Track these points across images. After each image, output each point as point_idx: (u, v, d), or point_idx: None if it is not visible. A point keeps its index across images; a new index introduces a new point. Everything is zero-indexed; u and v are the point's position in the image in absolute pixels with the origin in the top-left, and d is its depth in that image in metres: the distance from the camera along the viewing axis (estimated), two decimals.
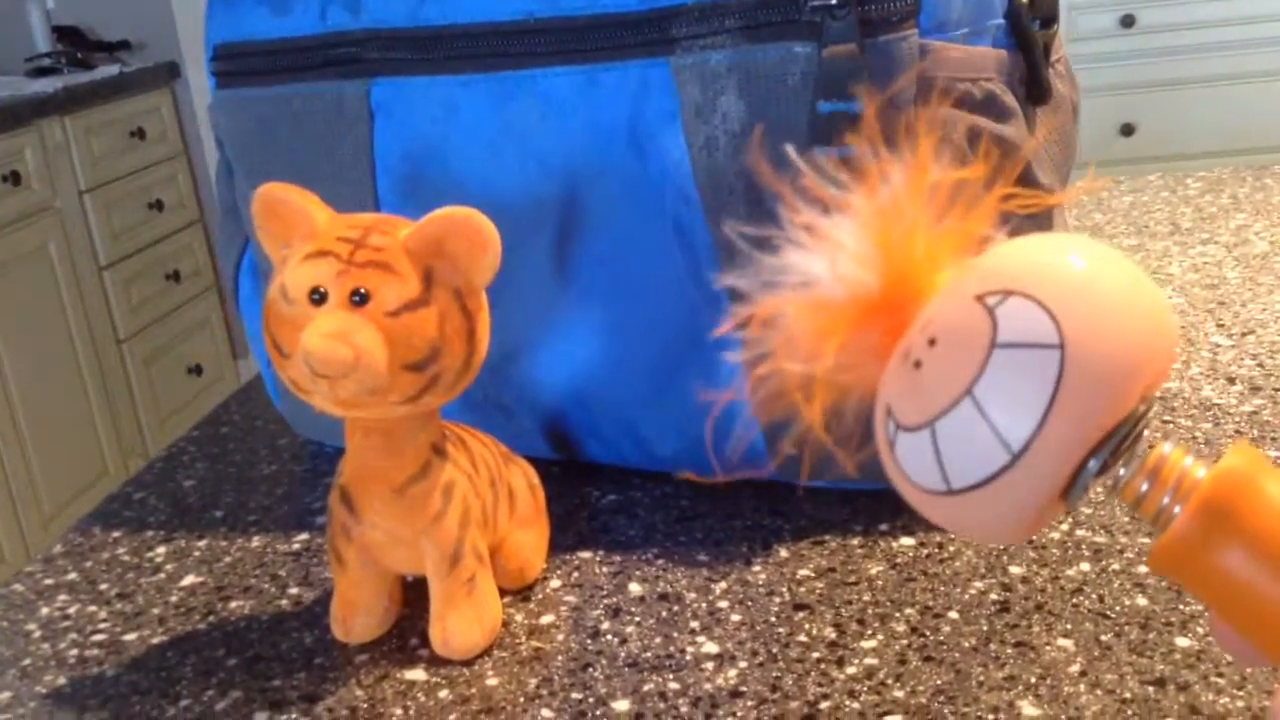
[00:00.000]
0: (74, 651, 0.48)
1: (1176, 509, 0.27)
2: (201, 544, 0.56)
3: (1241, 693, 0.39)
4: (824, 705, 0.41)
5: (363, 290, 0.40)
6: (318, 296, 0.40)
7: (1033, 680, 0.41)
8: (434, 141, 0.52)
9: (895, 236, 0.29)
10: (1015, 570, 0.47)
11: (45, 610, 0.52)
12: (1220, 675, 0.40)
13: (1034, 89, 0.49)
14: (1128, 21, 2.61)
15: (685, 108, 0.47)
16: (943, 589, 0.46)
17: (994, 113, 0.47)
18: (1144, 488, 0.27)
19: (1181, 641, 0.42)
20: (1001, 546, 0.48)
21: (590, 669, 0.44)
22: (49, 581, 0.54)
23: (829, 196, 0.30)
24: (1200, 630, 0.42)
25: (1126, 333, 0.26)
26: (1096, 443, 0.26)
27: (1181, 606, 0.43)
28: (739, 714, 0.41)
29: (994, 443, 0.26)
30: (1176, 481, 0.27)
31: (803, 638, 0.44)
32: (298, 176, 0.52)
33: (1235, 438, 0.55)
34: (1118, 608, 0.44)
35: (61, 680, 0.47)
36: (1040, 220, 0.51)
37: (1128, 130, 2.68)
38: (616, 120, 0.49)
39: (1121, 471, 0.27)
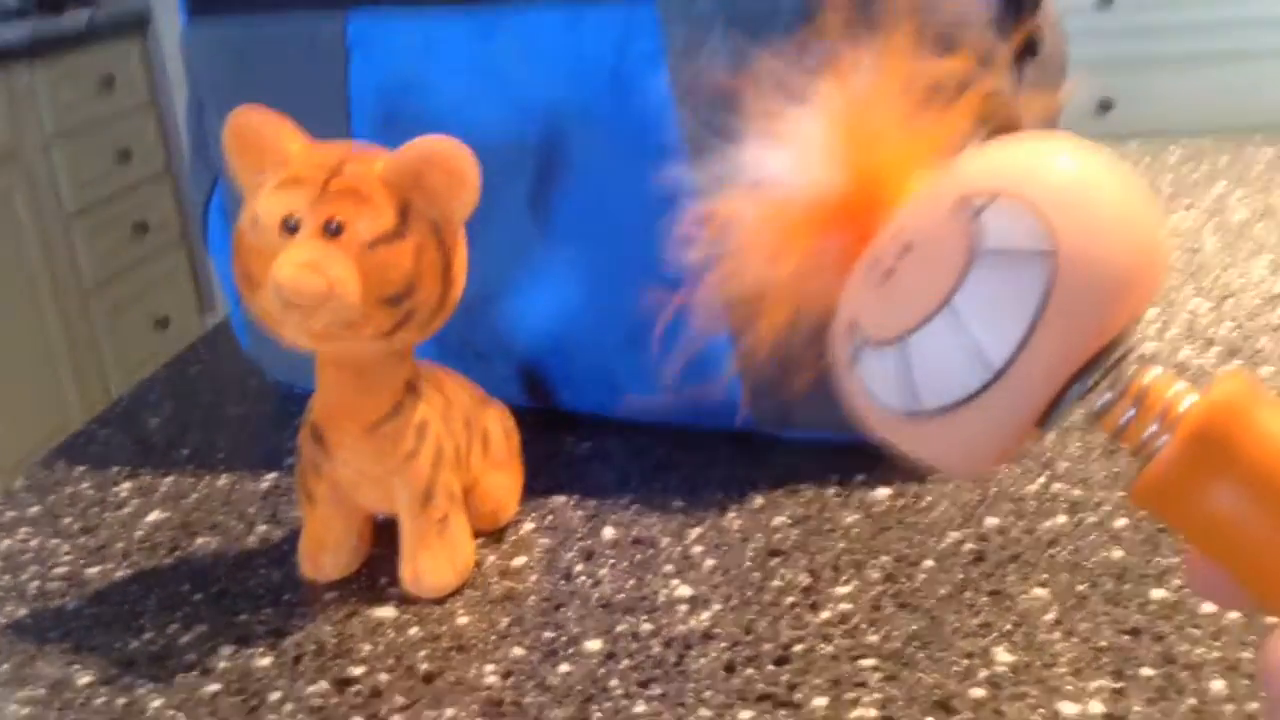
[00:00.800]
0: (35, 584, 0.48)
1: (1163, 439, 0.25)
2: (167, 481, 0.55)
3: (1218, 643, 0.39)
4: (797, 648, 0.40)
5: (337, 220, 0.39)
6: (290, 226, 0.39)
7: (1007, 628, 0.41)
8: (411, 78, 0.51)
9: (865, 132, 0.26)
10: (991, 521, 0.47)
11: (6, 543, 0.51)
12: (1196, 626, 0.40)
13: (1023, 42, 0.48)
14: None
15: (671, 49, 0.46)
16: (918, 538, 0.46)
17: (983, 63, 0.46)
18: (1128, 415, 0.25)
19: (1157, 593, 0.42)
20: (976, 493, 0.48)
21: (562, 609, 0.43)
22: (10, 514, 0.53)
23: (795, 84, 0.27)
24: (1176, 583, 0.42)
25: (1122, 242, 0.24)
26: (1083, 364, 0.24)
27: (1158, 559, 0.43)
28: (712, 655, 0.40)
29: (972, 360, 0.24)
30: (1164, 409, 0.25)
31: (777, 583, 0.44)
32: (270, 109, 0.51)
33: None
34: (1093, 559, 0.44)
35: (22, 611, 0.46)
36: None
37: (1105, 106, 2.68)
38: (600, 60, 0.48)
39: (1107, 396, 0.25)
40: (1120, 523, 0.46)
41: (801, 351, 0.28)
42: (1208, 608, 0.40)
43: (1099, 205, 0.24)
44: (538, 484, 0.52)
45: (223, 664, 0.42)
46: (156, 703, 0.40)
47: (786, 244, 0.27)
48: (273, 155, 0.41)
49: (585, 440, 0.56)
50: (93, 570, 0.48)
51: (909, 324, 0.25)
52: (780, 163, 0.27)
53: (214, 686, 0.41)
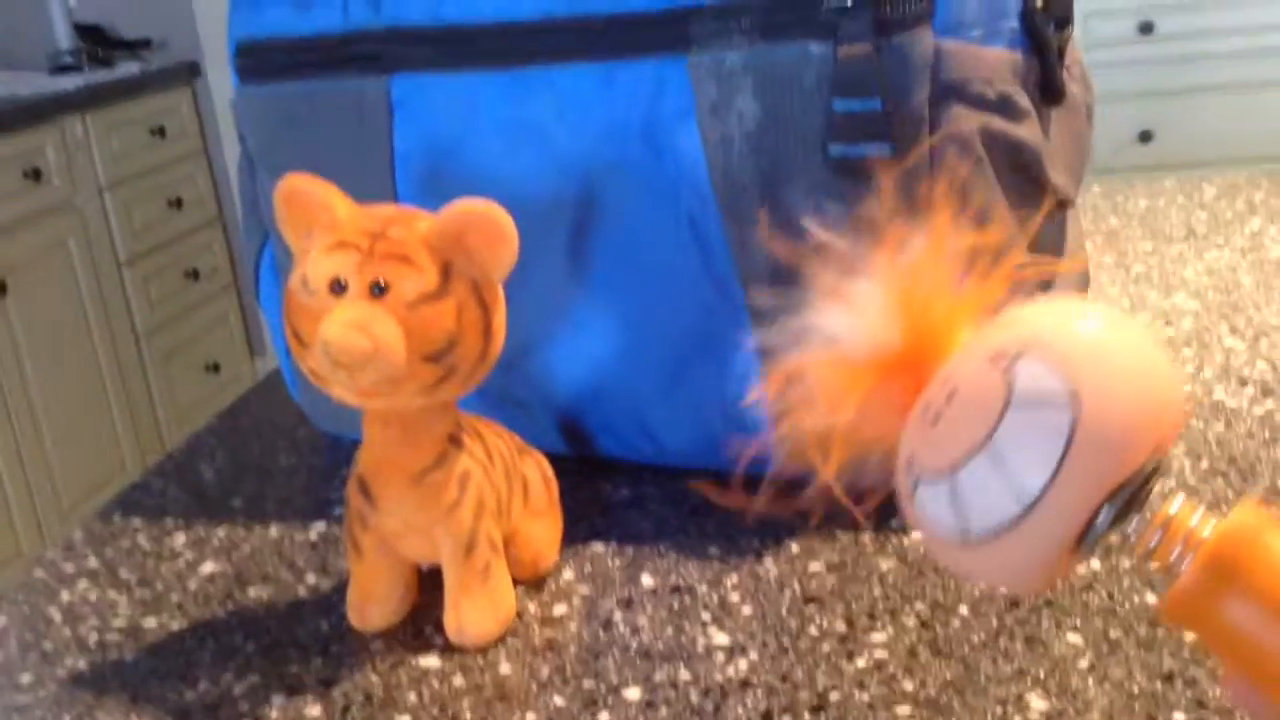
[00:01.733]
0: (94, 636, 0.49)
1: (1185, 562, 0.28)
2: (220, 533, 0.57)
3: None
4: (833, 696, 0.41)
5: (382, 281, 0.41)
6: (338, 287, 0.41)
7: (1041, 674, 0.41)
8: (452, 137, 0.53)
9: (916, 298, 0.31)
10: None
11: (66, 596, 0.53)
12: None
13: (1048, 91, 0.49)
14: (1146, 28, 2.60)
15: (701, 106, 0.48)
16: (953, 585, 0.47)
17: (1008, 114, 0.47)
18: (1155, 541, 0.29)
19: (1190, 637, 0.42)
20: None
21: (602, 658, 0.44)
22: (69, 568, 0.55)
23: (852, 260, 0.31)
24: None
25: (1135, 396, 0.28)
26: (1107, 495, 0.28)
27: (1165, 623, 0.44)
28: (749, 704, 0.41)
29: (1008, 494, 0.28)
30: (1186, 534, 0.28)
31: (813, 630, 0.45)
32: (318, 171, 0.52)
33: (1246, 439, 0.55)
34: (1126, 605, 0.44)
35: (81, 664, 0.47)
36: (1055, 231, 0.52)
37: (1145, 137, 2.67)
38: (632, 118, 0.49)
39: (1135, 522, 0.29)
40: (1153, 564, 0.46)
41: (866, 487, 0.33)
42: None
43: (1116, 361, 0.28)
44: (577, 531, 0.53)
45: (274, 713, 0.43)
46: None
47: (850, 393, 0.31)
48: (321, 219, 0.43)
49: (623, 487, 0.57)
50: (150, 622, 0.50)
51: (956, 460, 0.29)
52: (844, 325, 0.31)
53: None
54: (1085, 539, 0.29)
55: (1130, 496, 0.28)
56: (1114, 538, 0.29)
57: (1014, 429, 0.28)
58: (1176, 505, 0.29)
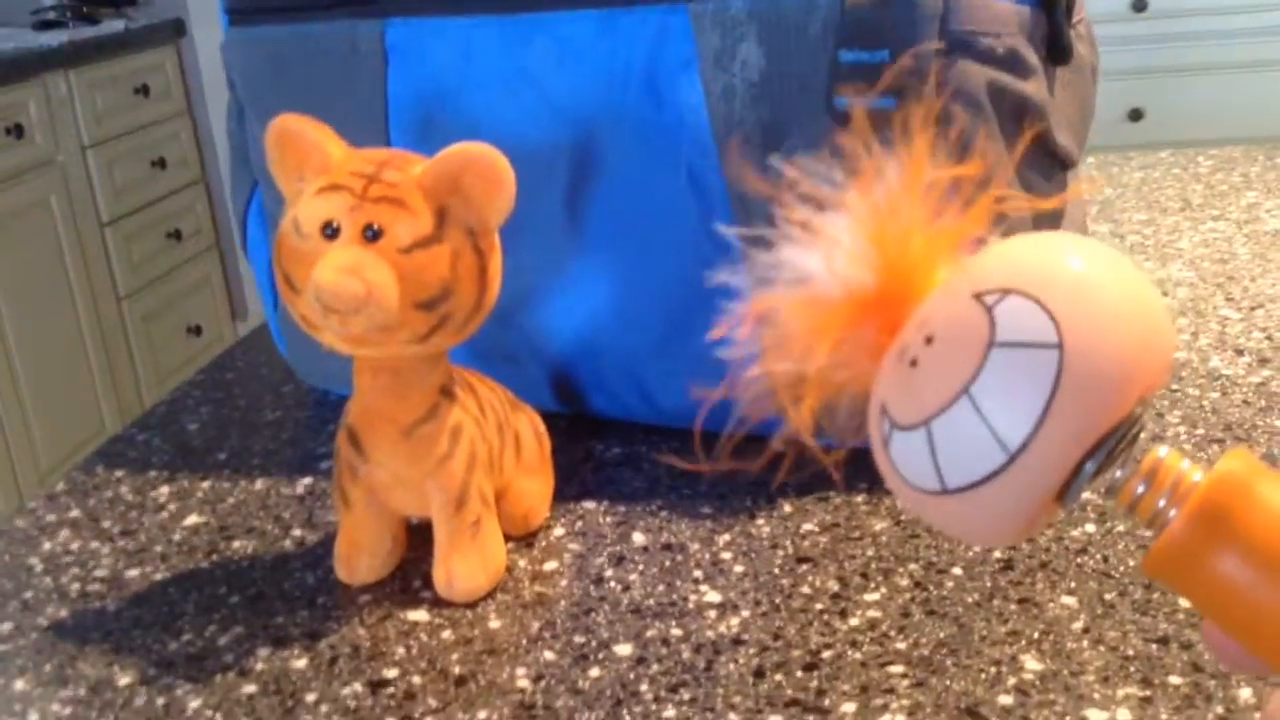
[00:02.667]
0: (75, 586, 0.48)
1: (1172, 512, 0.27)
2: (205, 485, 0.56)
3: None
4: (826, 654, 0.41)
5: (375, 226, 0.40)
6: (330, 231, 0.40)
7: (1035, 636, 0.41)
8: (448, 83, 0.52)
9: (891, 234, 0.29)
10: None
11: (48, 545, 0.52)
12: None
13: (1055, 48, 0.49)
14: (1139, 6, 2.60)
15: (703, 55, 0.47)
16: (946, 546, 0.46)
17: (1015, 69, 0.46)
18: (1139, 490, 0.27)
19: (1185, 602, 0.42)
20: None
21: (593, 614, 0.44)
22: (51, 518, 0.54)
23: (824, 194, 0.29)
24: None
25: (1125, 336, 0.26)
26: (1093, 444, 0.26)
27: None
28: (741, 660, 0.41)
29: (991, 442, 0.26)
30: (1172, 485, 0.27)
31: (805, 589, 0.44)
32: (310, 117, 0.52)
33: (1242, 407, 0.55)
34: (1121, 568, 0.44)
35: (63, 613, 0.47)
36: (1055, 183, 0.51)
37: (1136, 115, 2.67)
38: (633, 66, 0.48)
39: (1118, 474, 0.27)
40: (1149, 532, 0.46)
41: (841, 426, 0.31)
42: None
43: (1103, 301, 0.26)
44: (568, 489, 0.53)
45: (260, 665, 0.42)
46: (195, 703, 0.41)
47: (823, 335, 0.29)
48: (313, 161, 0.42)
49: (615, 446, 0.57)
50: (132, 572, 0.49)
51: (932, 410, 0.27)
52: (816, 263, 0.29)
53: (251, 688, 0.41)
54: (1068, 490, 0.27)
55: (1116, 444, 0.27)
56: (1098, 487, 0.27)
57: (997, 371, 0.26)
58: (1162, 453, 0.27)
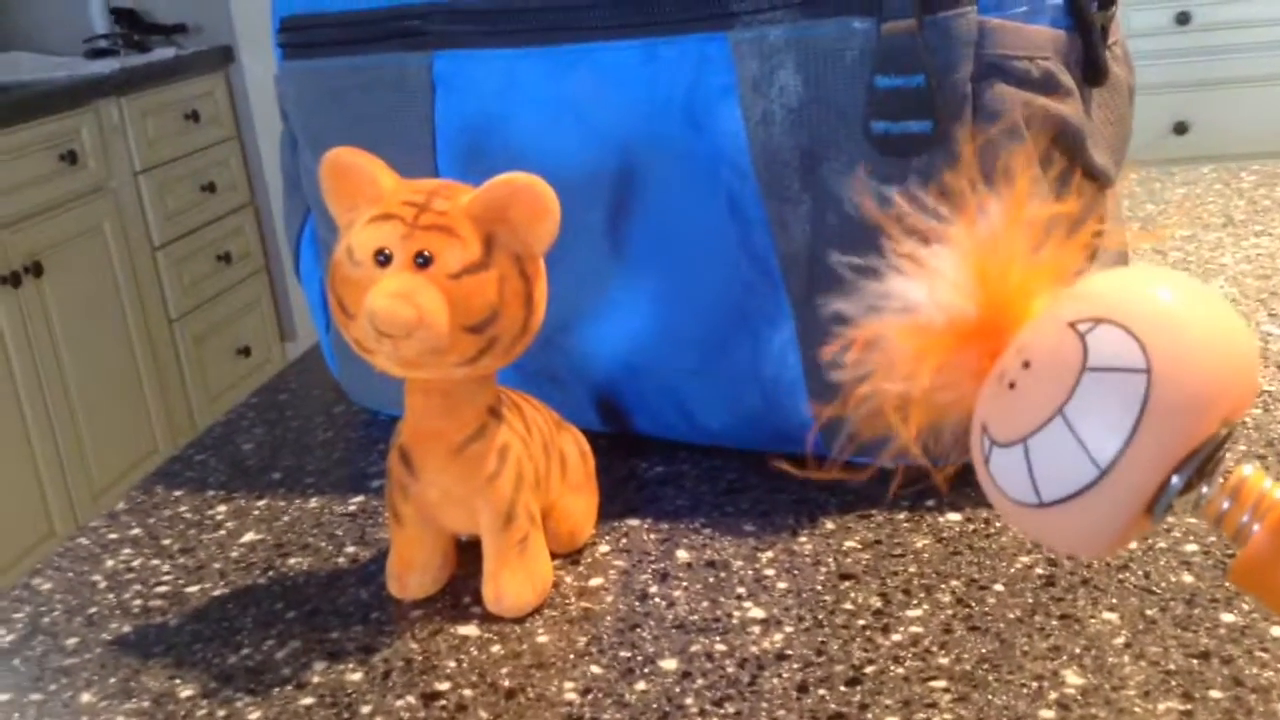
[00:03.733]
0: (138, 602, 0.50)
1: (1255, 527, 0.29)
2: (260, 504, 0.58)
3: None
4: (869, 669, 0.41)
5: (426, 253, 0.41)
6: (383, 258, 0.42)
7: (1077, 651, 0.41)
8: (493, 113, 0.53)
9: (992, 268, 0.31)
10: None
11: (110, 563, 0.53)
12: (1265, 650, 0.40)
13: (1091, 70, 0.49)
14: (1183, 19, 2.58)
15: (742, 82, 0.48)
16: (988, 562, 0.47)
17: (1051, 92, 0.47)
18: (1225, 506, 0.29)
19: (1227, 617, 0.42)
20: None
21: (638, 629, 0.45)
22: (113, 536, 0.56)
23: (930, 228, 0.32)
24: (1246, 607, 0.42)
25: (1210, 361, 0.28)
26: (1179, 462, 0.28)
27: (1227, 584, 0.44)
28: (784, 675, 0.41)
29: (1083, 459, 0.28)
30: (1256, 501, 0.29)
31: (848, 605, 0.45)
32: (360, 145, 0.53)
33: None
34: (1163, 584, 0.44)
35: (126, 629, 0.48)
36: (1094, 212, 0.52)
37: (1181, 129, 2.65)
38: (674, 93, 0.49)
39: (1204, 490, 0.29)
40: (1190, 547, 0.46)
41: (946, 444, 0.34)
42: (1277, 631, 0.41)
43: (1189, 328, 0.28)
44: (612, 507, 0.54)
45: (316, 678, 0.44)
46: (254, 715, 0.42)
47: (927, 360, 0.32)
48: (366, 192, 0.43)
49: (658, 465, 0.58)
50: (192, 589, 0.51)
51: (1029, 429, 0.29)
52: (921, 293, 0.32)
53: (308, 700, 0.43)
54: (1157, 504, 0.29)
55: (1202, 462, 0.29)
56: (1185, 503, 0.29)
57: (1089, 394, 0.28)
58: (1247, 472, 0.29)
